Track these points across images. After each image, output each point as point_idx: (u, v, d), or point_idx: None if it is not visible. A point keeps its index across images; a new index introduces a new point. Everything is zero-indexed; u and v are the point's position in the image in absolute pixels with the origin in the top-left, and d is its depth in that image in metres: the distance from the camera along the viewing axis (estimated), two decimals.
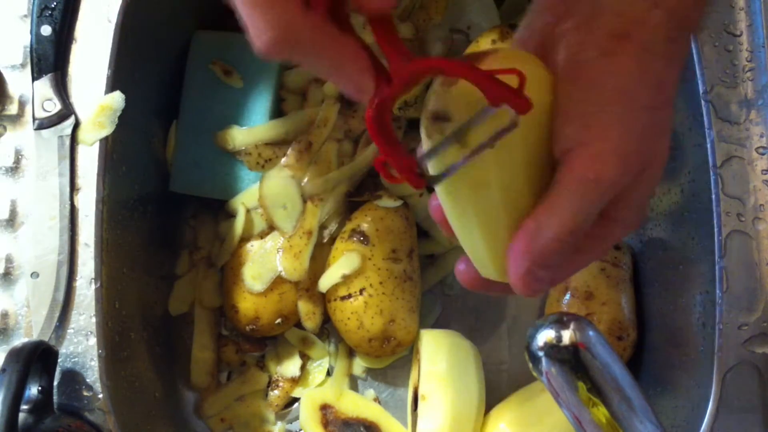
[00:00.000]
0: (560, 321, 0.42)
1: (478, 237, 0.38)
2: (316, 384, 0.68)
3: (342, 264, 0.64)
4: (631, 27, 0.35)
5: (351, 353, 0.69)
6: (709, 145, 0.56)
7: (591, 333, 0.41)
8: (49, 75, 0.59)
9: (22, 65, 0.60)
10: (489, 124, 0.34)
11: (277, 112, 0.69)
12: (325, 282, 0.65)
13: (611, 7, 0.35)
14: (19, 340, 0.57)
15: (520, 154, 0.36)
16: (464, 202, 0.38)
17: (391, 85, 0.35)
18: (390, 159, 0.35)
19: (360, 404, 0.67)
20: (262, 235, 0.67)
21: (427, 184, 0.37)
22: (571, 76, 0.36)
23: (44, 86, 0.59)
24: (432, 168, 0.38)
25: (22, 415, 0.50)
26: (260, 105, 0.68)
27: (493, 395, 0.65)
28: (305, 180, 0.66)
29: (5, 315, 0.57)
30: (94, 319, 0.56)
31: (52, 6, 0.59)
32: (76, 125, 0.59)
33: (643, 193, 0.38)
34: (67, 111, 0.59)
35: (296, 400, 0.69)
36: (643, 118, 0.35)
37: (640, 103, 0.35)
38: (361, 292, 0.64)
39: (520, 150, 0.36)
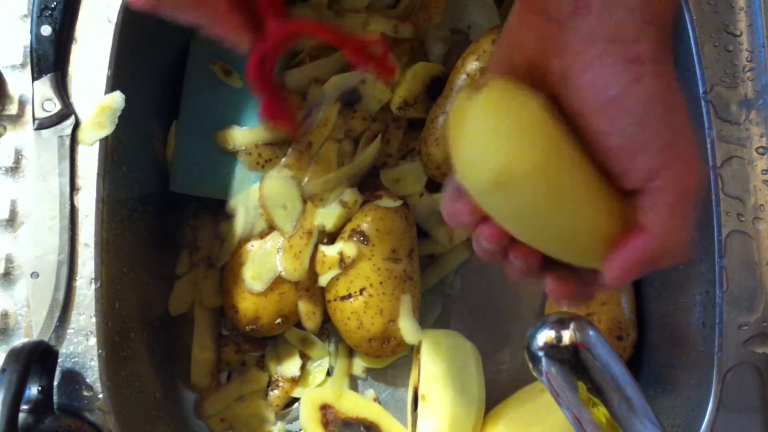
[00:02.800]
0: (560, 321, 0.42)
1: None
2: (316, 384, 0.68)
3: (341, 248, 0.64)
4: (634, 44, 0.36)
5: (351, 353, 0.69)
6: (709, 145, 0.56)
7: (591, 333, 0.41)
8: (49, 75, 0.59)
9: (22, 65, 0.60)
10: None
11: None
12: (325, 277, 0.65)
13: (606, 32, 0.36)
14: (19, 340, 0.57)
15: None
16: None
17: (266, 43, 0.41)
18: (268, 105, 0.43)
19: (360, 404, 0.67)
20: (262, 235, 0.67)
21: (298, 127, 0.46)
22: (610, 114, 0.36)
23: (44, 86, 0.59)
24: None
25: (22, 415, 0.50)
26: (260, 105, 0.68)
27: (493, 395, 0.65)
28: (305, 180, 0.66)
29: (5, 315, 0.57)
30: (94, 319, 0.56)
31: (52, 6, 0.59)
32: (76, 125, 0.59)
33: None
34: (67, 111, 0.59)
35: (296, 400, 0.69)
36: (683, 114, 0.37)
37: (676, 108, 0.37)
38: (361, 292, 0.64)
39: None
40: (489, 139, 0.37)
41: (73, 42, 0.60)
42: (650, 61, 0.36)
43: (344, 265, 0.64)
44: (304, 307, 0.66)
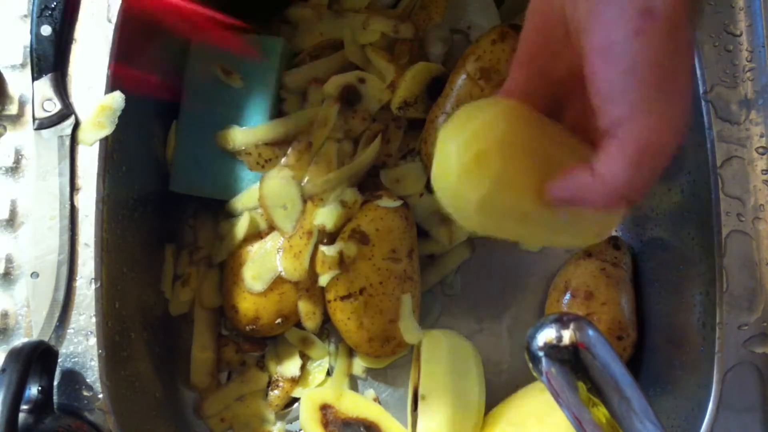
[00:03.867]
0: (560, 321, 0.42)
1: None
2: (316, 384, 0.68)
3: (341, 248, 0.64)
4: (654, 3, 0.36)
5: (351, 353, 0.69)
6: (709, 145, 0.56)
7: (591, 333, 0.41)
8: (49, 75, 0.59)
9: (22, 65, 0.60)
10: None
11: (277, 112, 0.69)
12: (325, 277, 0.65)
13: None
14: (19, 340, 0.57)
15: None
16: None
17: None
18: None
19: (360, 404, 0.67)
20: (262, 235, 0.67)
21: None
22: (603, 58, 0.37)
23: (44, 86, 0.59)
24: None
25: (22, 415, 0.50)
26: (260, 105, 0.68)
27: (493, 395, 0.65)
28: (305, 180, 0.66)
29: (5, 315, 0.57)
30: (94, 319, 0.56)
31: (52, 6, 0.59)
32: (76, 125, 0.59)
33: None
34: (67, 111, 0.59)
35: (296, 400, 0.69)
36: (683, 81, 0.37)
37: (676, 71, 0.37)
38: (361, 292, 0.64)
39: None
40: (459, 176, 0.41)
41: (73, 42, 0.60)
42: (662, 18, 0.35)
43: (344, 265, 0.64)
44: (304, 307, 0.66)
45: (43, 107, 0.59)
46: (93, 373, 0.56)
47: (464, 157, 0.41)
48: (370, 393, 0.69)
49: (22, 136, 0.59)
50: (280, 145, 0.67)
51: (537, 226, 0.43)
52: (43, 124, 0.59)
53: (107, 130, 0.59)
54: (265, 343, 0.70)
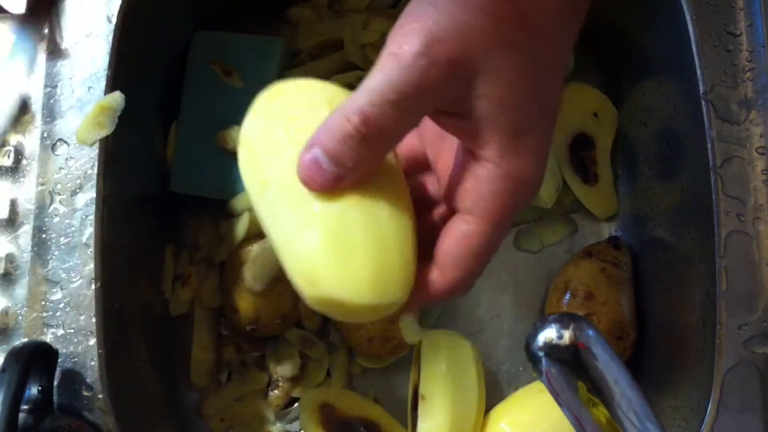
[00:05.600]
0: (560, 321, 0.42)
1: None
2: (316, 384, 0.68)
3: None
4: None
5: (351, 353, 0.69)
6: (709, 145, 0.56)
7: (591, 333, 0.41)
8: None
9: None
10: None
11: None
12: None
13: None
14: (19, 340, 0.57)
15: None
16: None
17: None
18: None
19: (360, 404, 0.67)
20: (262, 235, 0.67)
21: None
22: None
23: None
24: None
25: (22, 415, 0.50)
26: None
27: (493, 395, 0.65)
28: None
29: (5, 315, 0.57)
30: (94, 319, 0.56)
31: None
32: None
33: None
34: None
35: (296, 400, 0.69)
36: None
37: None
38: None
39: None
40: None
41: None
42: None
43: None
44: (304, 307, 0.66)
45: None
46: (93, 373, 0.56)
47: None
48: (370, 393, 0.69)
49: (23, 136, 0.59)
50: None
51: None
52: None
53: (107, 130, 0.58)
54: (265, 343, 0.70)
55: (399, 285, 0.37)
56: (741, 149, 0.56)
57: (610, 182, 0.71)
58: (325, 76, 0.68)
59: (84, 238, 0.57)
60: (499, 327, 0.70)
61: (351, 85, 0.38)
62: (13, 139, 0.59)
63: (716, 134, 0.56)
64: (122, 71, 0.60)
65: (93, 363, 0.56)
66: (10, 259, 0.58)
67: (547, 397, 0.43)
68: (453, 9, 0.34)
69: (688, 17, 0.58)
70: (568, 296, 0.65)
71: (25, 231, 0.58)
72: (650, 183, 0.67)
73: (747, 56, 0.58)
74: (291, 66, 0.70)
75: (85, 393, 0.56)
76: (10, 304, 0.57)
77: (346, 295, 0.36)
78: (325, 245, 0.36)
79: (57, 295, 0.57)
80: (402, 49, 0.34)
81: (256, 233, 0.67)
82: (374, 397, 0.69)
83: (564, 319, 0.42)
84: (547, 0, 0.35)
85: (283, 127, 0.40)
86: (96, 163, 0.58)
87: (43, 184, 0.58)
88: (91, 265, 0.57)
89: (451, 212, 0.38)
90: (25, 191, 0.58)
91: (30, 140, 0.59)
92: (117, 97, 0.59)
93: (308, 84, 0.42)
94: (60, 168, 0.58)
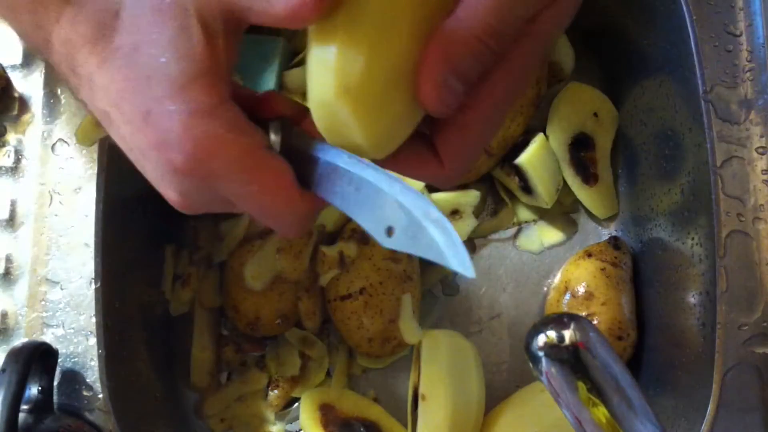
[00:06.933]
0: (560, 321, 0.42)
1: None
2: (316, 384, 0.68)
3: (341, 247, 0.64)
4: None
5: (351, 353, 0.69)
6: (709, 145, 0.56)
7: (591, 333, 0.41)
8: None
9: (22, 65, 0.60)
10: None
11: None
12: (325, 277, 0.65)
13: None
14: (19, 340, 0.57)
15: None
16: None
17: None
18: None
19: (360, 404, 0.67)
20: (262, 235, 0.67)
21: None
22: None
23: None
24: None
25: (22, 415, 0.50)
26: None
27: (493, 395, 0.65)
28: None
29: (5, 315, 0.57)
30: (94, 319, 0.56)
31: None
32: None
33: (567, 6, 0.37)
34: None
35: (296, 400, 0.69)
36: None
37: None
38: (361, 292, 0.64)
39: None
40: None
41: None
42: None
43: (344, 264, 0.64)
44: (304, 307, 0.66)
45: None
46: (93, 373, 0.56)
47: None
48: (370, 393, 0.69)
49: (23, 136, 0.59)
50: None
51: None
52: None
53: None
54: (265, 343, 0.70)
55: None
56: (741, 149, 0.56)
57: (610, 182, 0.71)
58: None
59: (84, 238, 0.57)
60: (499, 327, 0.70)
61: None
62: (13, 139, 0.59)
63: (716, 134, 0.56)
64: None
65: (93, 363, 0.56)
66: (10, 259, 0.58)
67: (547, 397, 0.43)
68: None
69: (688, 17, 0.58)
70: (568, 296, 0.65)
71: (25, 231, 0.58)
72: (650, 183, 0.67)
73: (747, 56, 0.58)
74: (291, 66, 0.70)
75: (85, 393, 0.56)
76: (10, 304, 0.57)
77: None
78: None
79: (57, 295, 0.57)
80: None
81: (256, 233, 0.67)
82: (374, 397, 0.69)
83: (564, 319, 0.42)
84: None
85: None
86: (96, 163, 0.58)
87: (43, 184, 0.58)
88: (91, 265, 0.57)
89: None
90: (25, 191, 0.59)
91: (30, 140, 0.59)
92: None
93: None
94: (60, 168, 0.58)
